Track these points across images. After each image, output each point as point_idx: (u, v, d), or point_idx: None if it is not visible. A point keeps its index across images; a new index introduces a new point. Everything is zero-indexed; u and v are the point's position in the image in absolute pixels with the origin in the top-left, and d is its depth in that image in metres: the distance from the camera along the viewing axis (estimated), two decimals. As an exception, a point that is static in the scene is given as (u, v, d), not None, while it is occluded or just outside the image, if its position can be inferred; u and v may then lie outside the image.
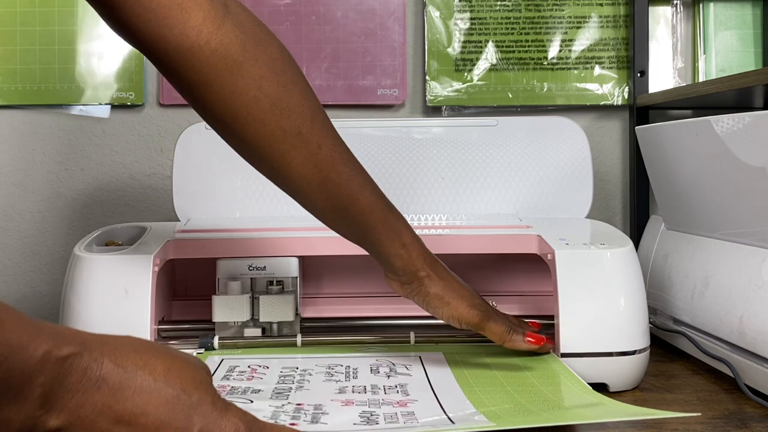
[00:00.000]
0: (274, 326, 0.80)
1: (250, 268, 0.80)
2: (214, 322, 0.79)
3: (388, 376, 0.70)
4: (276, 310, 0.79)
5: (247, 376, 0.69)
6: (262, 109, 0.63)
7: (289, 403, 0.62)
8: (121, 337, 0.46)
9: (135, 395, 0.43)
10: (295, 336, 0.79)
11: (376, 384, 0.67)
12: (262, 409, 0.59)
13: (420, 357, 0.75)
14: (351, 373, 0.71)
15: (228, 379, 0.69)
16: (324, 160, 0.66)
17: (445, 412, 0.60)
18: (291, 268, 0.80)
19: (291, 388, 0.66)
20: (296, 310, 0.80)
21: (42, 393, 0.41)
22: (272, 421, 0.55)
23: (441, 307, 0.71)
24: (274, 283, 0.80)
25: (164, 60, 0.61)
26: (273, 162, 0.66)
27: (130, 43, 0.62)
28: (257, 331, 0.80)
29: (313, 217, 0.93)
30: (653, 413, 0.59)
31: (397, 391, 0.65)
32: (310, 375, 0.70)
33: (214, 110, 0.64)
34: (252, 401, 0.62)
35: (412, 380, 0.68)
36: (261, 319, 0.79)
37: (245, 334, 0.80)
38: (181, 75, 0.62)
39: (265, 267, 0.80)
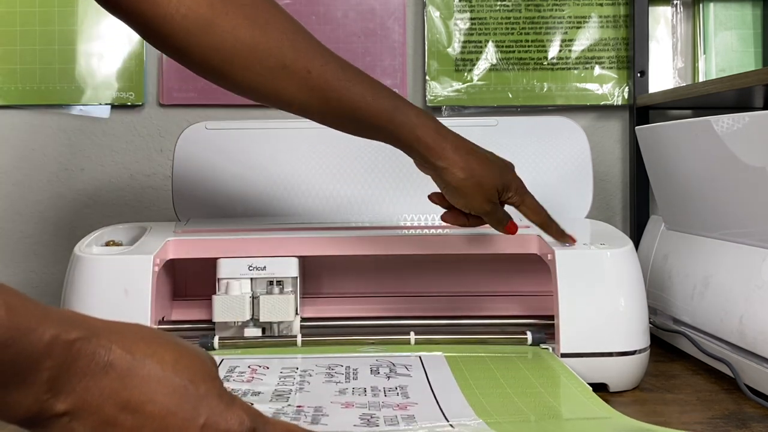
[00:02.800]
0: (275, 326, 0.80)
1: (251, 268, 0.80)
2: (215, 322, 0.79)
3: (388, 378, 0.69)
4: (276, 309, 0.79)
5: (246, 377, 0.69)
6: (243, 55, 0.68)
7: (289, 405, 0.61)
8: (129, 325, 0.45)
9: (143, 383, 0.43)
10: (295, 336, 0.79)
11: (376, 386, 0.67)
12: (262, 411, 0.59)
13: (420, 357, 0.75)
14: (351, 373, 0.70)
15: (228, 380, 0.68)
16: (316, 82, 0.70)
17: (445, 416, 0.59)
18: (291, 268, 0.80)
19: (291, 389, 0.66)
20: (296, 310, 0.80)
21: (49, 377, 0.40)
22: None
23: (458, 198, 0.76)
24: (275, 283, 0.80)
25: (146, 30, 0.67)
26: (269, 96, 0.71)
27: (119, 18, 0.68)
28: (257, 331, 0.80)
29: (313, 218, 0.93)
30: (658, 429, 0.58)
31: (397, 393, 0.65)
32: (310, 376, 0.70)
33: (200, 64, 0.69)
34: (252, 404, 0.61)
35: (412, 381, 0.68)
36: (261, 319, 0.79)
37: (245, 334, 0.80)
38: (163, 41, 0.68)
39: (265, 267, 0.80)
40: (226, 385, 0.65)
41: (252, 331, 0.80)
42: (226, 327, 0.80)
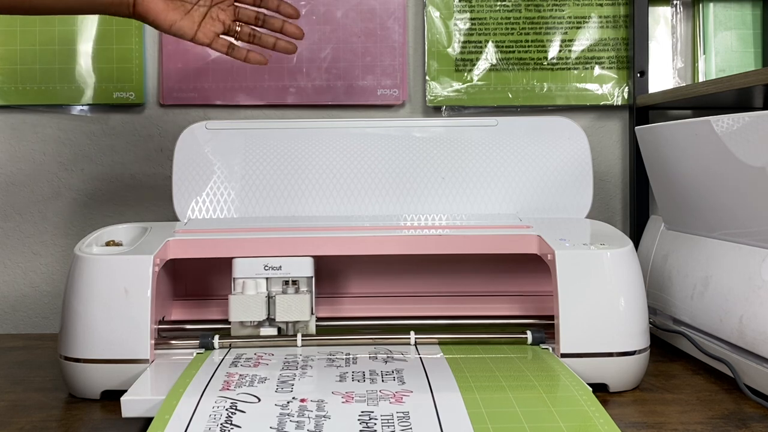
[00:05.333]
0: (290, 326, 0.80)
1: (266, 267, 0.80)
2: (231, 322, 0.79)
3: (386, 362, 0.73)
4: (292, 309, 0.79)
5: (253, 363, 0.72)
6: None
7: (293, 398, 0.63)
8: None
9: None
10: (295, 336, 0.80)
11: (374, 369, 0.70)
12: (268, 413, 0.60)
13: (420, 358, 0.75)
14: (351, 359, 0.74)
15: (236, 365, 0.72)
16: None
17: (436, 409, 0.61)
18: (305, 267, 0.80)
19: (295, 375, 0.69)
20: (312, 309, 0.80)
21: None
22: (278, 429, 0.57)
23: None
24: (290, 282, 0.80)
25: None
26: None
27: None
28: (273, 331, 0.80)
29: (309, 220, 0.93)
30: None
31: (394, 378, 0.68)
32: (312, 361, 0.73)
33: None
34: (259, 399, 0.63)
35: (408, 366, 0.71)
36: (277, 319, 0.79)
37: (261, 333, 0.80)
38: None
39: (281, 266, 0.80)
40: (234, 371, 0.70)
41: (267, 331, 0.80)
42: (242, 327, 0.80)
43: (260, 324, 0.80)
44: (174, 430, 0.57)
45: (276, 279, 0.80)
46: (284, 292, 0.80)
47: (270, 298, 0.79)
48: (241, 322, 0.80)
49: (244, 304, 0.78)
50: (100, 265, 0.75)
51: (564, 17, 1.23)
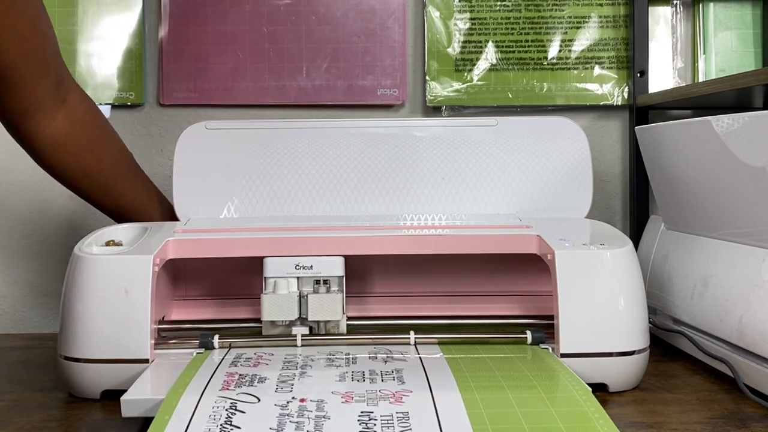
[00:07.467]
0: (322, 325, 0.81)
1: (297, 267, 0.80)
2: (262, 321, 0.79)
3: (385, 362, 0.73)
4: (324, 308, 0.79)
5: (253, 363, 0.72)
6: (76, 174, 0.95)
7: (293, 398, 0.63)
8: None
9: None
10: (295, 336, 0.80)
11: (373, 369, 0.70)
12: (268, 416, 0.60)
13: (420, 358, 0.75)
14: (351, 360, 0.74)
15: (236, 365, 0.72)
16: (122, 203, 0.99)
17: (435, 409, 0.61)
18: (336, 267, 0.80)
19: (295, 374, 0.69)
20: (343, 309, 0.80)
21: None
22: (278, 429, 0.57)
23: None
24: (321, 282, 0.80)
25: (19, 140, 0.92)
26: (89, 200, 0.99)
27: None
28: (304, 330, 0.80)
29: (310, 220, 0.93)
30: None
31: (393, 378, 0.68)
32: (312, 361, 0.73)
33: (46, 167, 0.94)
34: (259, 399, 0.63)
35: (407, 366, 0.72)
36: (309, 318, 0.79)
37: (293, 333, 0.80)
38: (27, 148, 0.92)
39: (312, 266, 0.80)
40: (234, 370, 0.70)
41: (299, 330, 0.80)
42: (273, 326, 0.80)
43: (292, 323, 0.80)
44: (174, 431, 0.57)
45: (307, 278, 0.80)
46: (315, 292, 0.80)
47: (302, 298, 0.80)
48: (272, 322, 0.80)
49: (277, 304, 0.78)
50: (100, 265, 0.75)
51: (564, 17, 1.23)
